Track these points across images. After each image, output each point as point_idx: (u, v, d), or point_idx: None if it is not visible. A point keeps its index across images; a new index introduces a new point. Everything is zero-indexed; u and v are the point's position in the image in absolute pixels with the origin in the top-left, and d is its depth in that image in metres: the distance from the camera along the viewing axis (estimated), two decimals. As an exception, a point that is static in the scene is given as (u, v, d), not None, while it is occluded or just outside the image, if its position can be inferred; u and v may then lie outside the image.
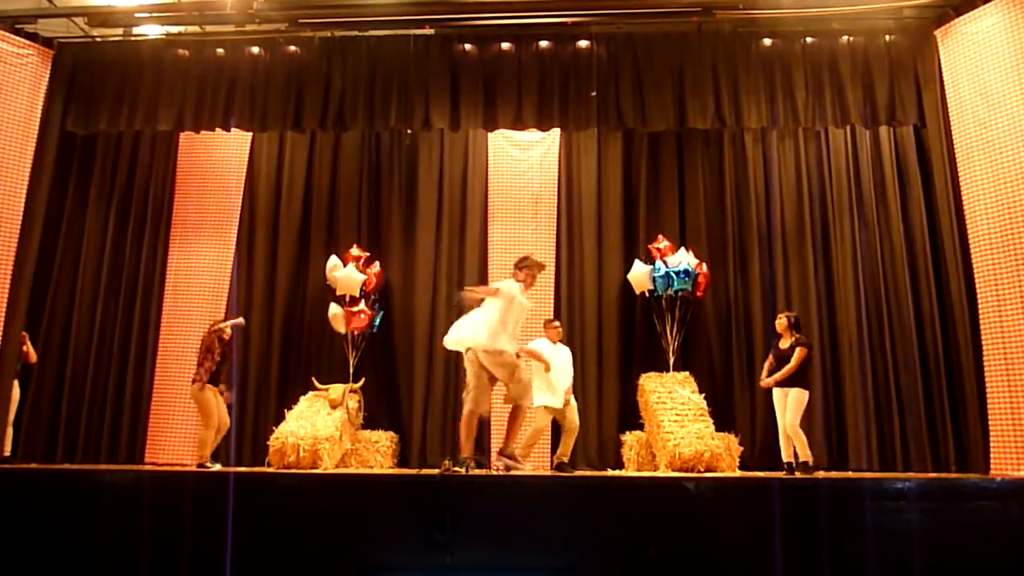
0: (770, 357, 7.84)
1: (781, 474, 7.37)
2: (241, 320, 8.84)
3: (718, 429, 8.38)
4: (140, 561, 5.12)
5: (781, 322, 7.80)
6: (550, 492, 5.67)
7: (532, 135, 9.88)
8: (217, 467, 7.96)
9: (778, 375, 7.52)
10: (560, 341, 8.22)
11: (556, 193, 9.94)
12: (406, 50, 8.86)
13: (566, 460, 7.73)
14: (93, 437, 9.47)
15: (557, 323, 8.37)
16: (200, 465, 7.91)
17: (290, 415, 8.77)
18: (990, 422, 7.70)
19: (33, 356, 8.81)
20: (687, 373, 9.11)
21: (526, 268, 6.90)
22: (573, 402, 7.88)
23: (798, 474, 7.26)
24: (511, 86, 8.74)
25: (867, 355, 9.15)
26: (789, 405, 7.47)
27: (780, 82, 8.63)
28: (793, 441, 7.47)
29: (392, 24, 8.95)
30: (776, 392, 7.65)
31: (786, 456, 7.57)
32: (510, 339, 6.64)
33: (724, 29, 8.90)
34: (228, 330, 8.31)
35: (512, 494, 5.52)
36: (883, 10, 8.62)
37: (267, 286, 10.05)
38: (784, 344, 7.70)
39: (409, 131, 9.90)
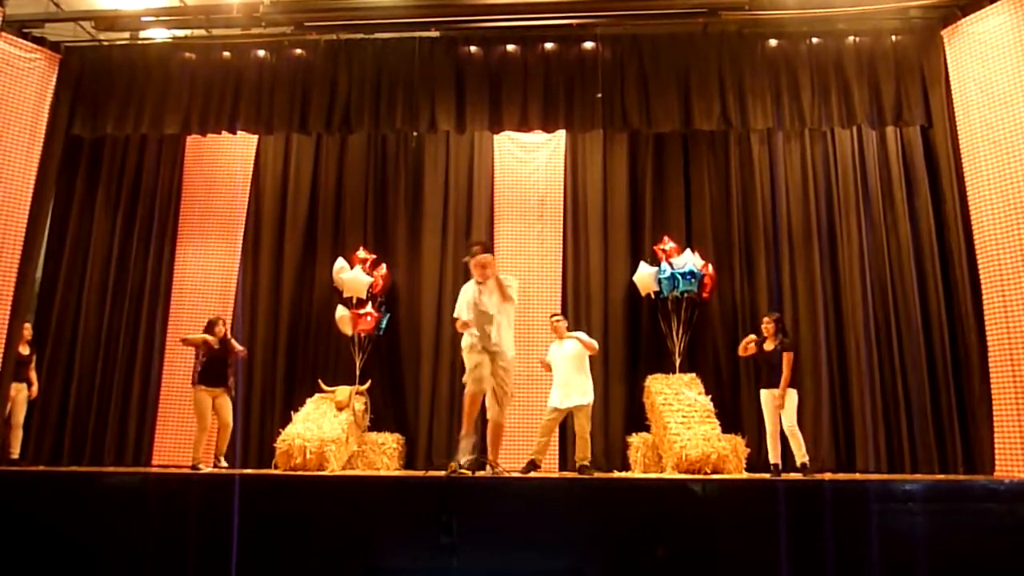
0: (750, 342, 7.90)
1: (789, 475, 7.36)
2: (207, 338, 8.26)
3: (725, 431, 8.37)
4: (146, 563, 5.13)
5: (769, 326, 7.84)
6: (557, 494, 5.66)
7: (538, 137, 9.88)
8: (203, 468, 7.90)
9: (783, 388, 7.52)
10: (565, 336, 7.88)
11: (562, 195, 9.95)
12: (412, 53, 8.89)
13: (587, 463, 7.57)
14: (100, 439, 9.49)
15: (556, 318, 8.08)
16: (193, 467, 7.92)
17: (297, 417, 8.79)
18: (995, 423, 7.68)
19: (35, 390, 8.79)
20: (693, 374, 9.10)
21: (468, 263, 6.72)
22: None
23: (790, 475, 7.28)
24: (516, 88, 8.77)
25: (874, 356, 9.12)
26: (787, 407, 7.54)
27: (786, 83, 8.64)
28: (791, 442, 7.52)
29: (397, 27, 8.96)
30: (765, 394, 7.74)
31: (773, 458, 7.63)
32: (473, 336, 6.52)
33: (730, 30, 8.91)
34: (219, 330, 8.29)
35: (519, 496, 5.52)
36: (889, 10, 8.63)
37: (273, 288, 10.07)
38: (768, 347, 7.76)
39: (415, 133, 9.89)
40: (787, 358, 7.57)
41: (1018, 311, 7.56)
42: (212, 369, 8.13)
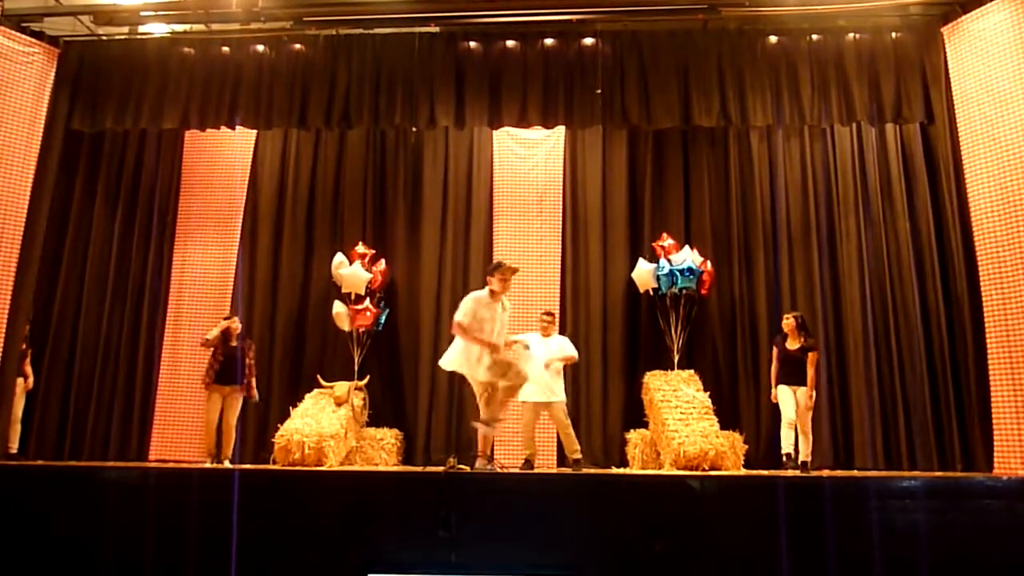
0: (775, 358, 7.94)
1: (787, 472, 7.36)
2: (230, 324, 8.40)
3: (723, 427, 8.36)
4: (146, 558, 5.14)
5: (789, 322, 7.90)
6: (555, 490, 5.67)
7: (537, 133, 9.87)
8: (208, 464, 7.95)
9: (810, 392, 7.62)
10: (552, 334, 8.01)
11: (561, 191, 9.94)
12: (411, 48, 8.87)
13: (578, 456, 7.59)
14: (100, 434, 9.48)
15: (548, 317, 8.13)
16: (208, 461, 8.02)
17: (295, 412, 8.78)
18: (994, 421, 7.69)
19: (30, 382, 8.84)
20: (692, 371, 9.09)
21: (498, 273, 6.68)
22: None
23: (796, 472, 7.30)
24: (516, 84, 8.75)
25: (872, 354, 9.12)
26: (803, 405, 7.60)
27: (786, 80, 8.62)
28: (801, 439, 7.52)
29: (397, 22, 8.94)
30: (783, 389, 7.76)
31: (787, 447, 7.64)
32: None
33: (730, 27, 8.89)
34: (235, 328, 8.33)
35: (517, 492, 5.53)
36: (889, 7, 8.62)
37: (272, 283, 10.05)
38: (792, 345, 7.81)
39: (414, 129, 9.88)
40: (813, 358, 7.70)
41: (1017, 308, 7.56)
42: (227, 368, 8.15)
